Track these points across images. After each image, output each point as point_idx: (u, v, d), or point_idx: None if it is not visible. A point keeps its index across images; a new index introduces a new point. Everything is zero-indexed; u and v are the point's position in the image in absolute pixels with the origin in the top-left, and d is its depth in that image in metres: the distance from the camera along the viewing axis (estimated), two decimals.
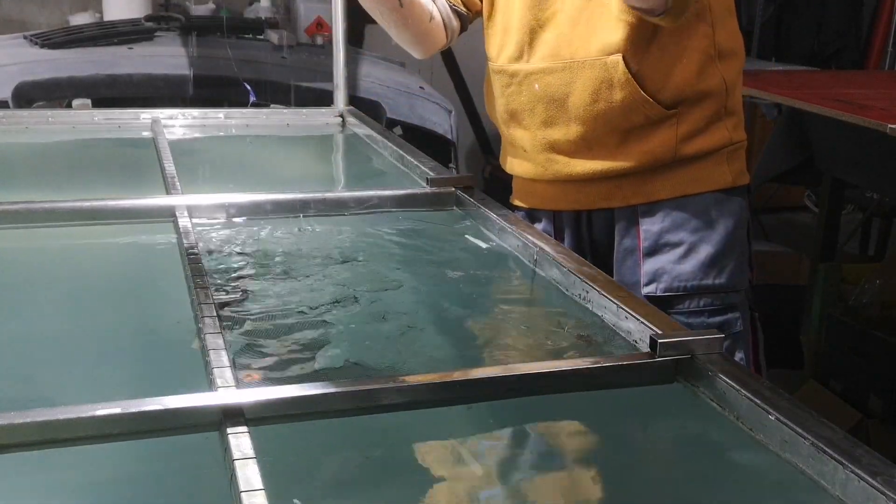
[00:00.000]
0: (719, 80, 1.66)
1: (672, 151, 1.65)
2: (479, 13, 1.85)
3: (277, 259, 1.60)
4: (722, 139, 1.68)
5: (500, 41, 1.75)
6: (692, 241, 1.66)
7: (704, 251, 1.66)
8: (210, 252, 1.59)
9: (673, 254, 1.66)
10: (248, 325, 1.34)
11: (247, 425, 1.01)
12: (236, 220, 1.75)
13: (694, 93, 1.64)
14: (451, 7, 1.86)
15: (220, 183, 2.09)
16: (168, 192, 1.82)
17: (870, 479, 0.92)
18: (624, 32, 1.58)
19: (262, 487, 0.89)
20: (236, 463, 0.93)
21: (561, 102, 1.67)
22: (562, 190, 1.75)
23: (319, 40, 4.84)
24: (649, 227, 1.68)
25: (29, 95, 3.44)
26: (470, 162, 5.33)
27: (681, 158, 1.65)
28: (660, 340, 1.19)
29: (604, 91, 1.62)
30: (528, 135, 1.75)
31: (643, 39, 1.59)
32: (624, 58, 1.59)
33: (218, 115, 2.62)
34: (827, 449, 0.97)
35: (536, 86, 1.68)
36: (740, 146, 1.72)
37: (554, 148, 1.72)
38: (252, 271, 1.54)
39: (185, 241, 1.54)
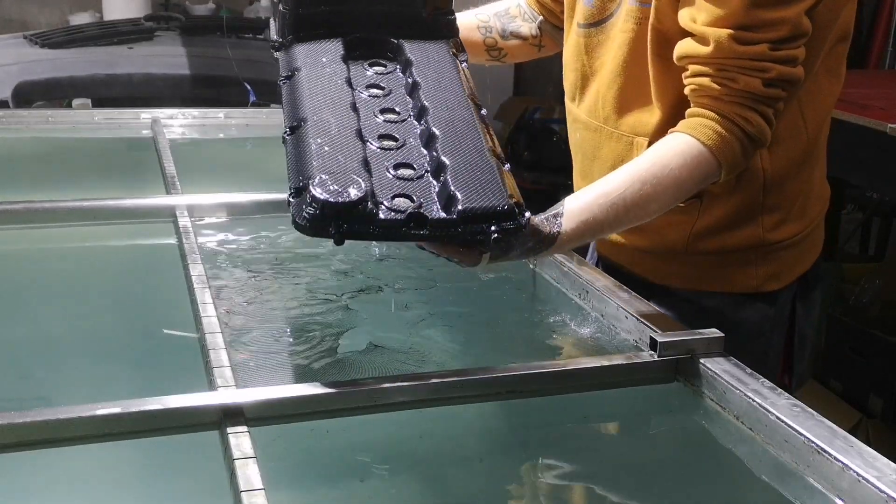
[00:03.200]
0: (757, 172, 1.38)
1: (684, 244, 1.44)
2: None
3: (277, 258, 1.60)
4: (750, 240, 1.43)
5: (564, 72, 1.58)
6: None
7: None
8: (209, 252, 1.59)
9: None
10: (251, 324, 1.34)
11: (247, 425, 1.01)
12: (236, 219, 1.75)
13: (718, 188, 1.37)
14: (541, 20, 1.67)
15: (220, 183, 2.09)
16: (168, 192, 1.82)
17: (870, 479, 0.92)
18: (658, 117, 1.37)
19: (262, 487, 0.89)
20: (236, 463, 0.93)
21: (591, 161, 1.51)
22: (600, 242, 1.61)
23: None
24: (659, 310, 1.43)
25: (29, 95, 3.45)
26: None
27: (695, 252, 1.45)
28: (660, 340, 1.19)
29: None
30: (576, 179, 1.59)
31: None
32: (650, 143, 1.36)
33: (218, 115, 2.62)
34: (827, 449, 0.97)
35: (578, 135, 1.54)
36: (782, 247, 1.45)
37: None
38: (252, 270, 1.54)
39: (185, 241, 1.54)
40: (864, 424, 2.88)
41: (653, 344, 1.20)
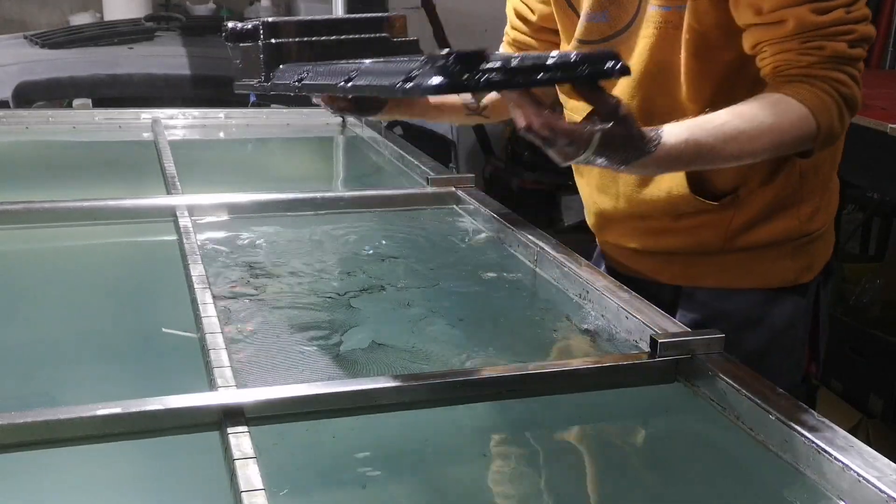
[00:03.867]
0: (792, 162, 1.40)
1: (721, 242, 1.45)
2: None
3: (278, 257, 1.60)
4: (787, 231, 1.44)
5: (567, 90, 1.53)
6: (729, 339, 1.44)
7: (739, 354, 1.44)
8: (210, 251, 1.59)
9: None
10: (252, 324, 1.34)
11: (247, 425, 1.01)
12: (237, 219, 1.75)
13: (756, 179, 1.40)
14: None
15: (220, 183, 2.09)
16: (168, 192, 1.82)
17: (870, 479, 0.92)
18: (692, 117, 1.32)
19: (262, 487, 0.89)
20: (236, 463, 0.93)
21: (613, 176, 1.50)
22: (615, 252, 1.60)
23: None
24: (686, 314, 1.49)
25: (29, 95, 3.45)
26: (470, 162, 5.33)
27: (731, 250, 1.45)
28: (660, 340, 1.19)
29: (652, 184, 1.45)
30: (585, 193, 1.60)
31: None
32: None
33: (218, 115, 2.62)
34: (827, 449, 0.97)
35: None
36: (815, 237, 1.47)
37: (604, 215, 1.57)
38: (252, 269, 1.54)
39: (185, 241, 1.54)
40: (865, 424, 2.88)
41: (653, 344, 1.19)
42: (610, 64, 1.03)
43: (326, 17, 1.39)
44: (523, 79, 1.00)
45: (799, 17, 1.23)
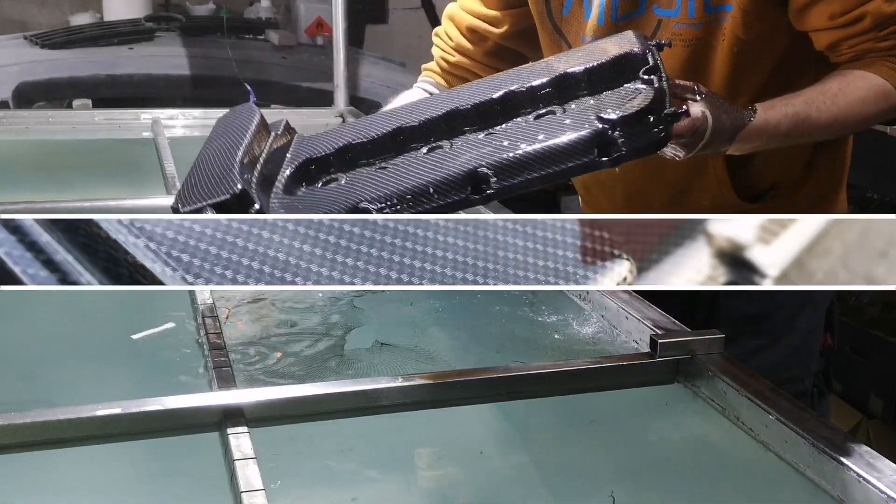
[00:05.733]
0: (830, 155, 1.46)
1: None
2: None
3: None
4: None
5: None
6: (774, 334, 1.51)
7: (782, 349, 1.51)
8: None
9: (750, 346, 1.47)
10: (253, 324, 1.34)
11: (247, 425, 1.01)
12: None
13: (797, 173, 1.46)
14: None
15: None
16: (168, 192, 1.83)
17: (870, 480, 0.92)
18: None
19: (262, 487, 0.89)
20: (236, 463, 0.93)
21: (641, 193, 1.51)
22: None
23: (320, 40, 4.83)
24: (730, 310, 1.51)
25: (29, 96, 3.45)
26: None
27: None
28: (660, 341, 1.19)
29: (694, 191, 1.46)
30: (606, 210, 1.59)
31: None
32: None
33: (218, 115, 2.60)
34: (827, 449, 0.97)
35: (616, 168, 1.52)
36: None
37: None
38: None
39: None
40: (865, 425, 2.88)
41: (653, 344, 1.19)
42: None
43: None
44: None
45: (875, 12, 1.27)
